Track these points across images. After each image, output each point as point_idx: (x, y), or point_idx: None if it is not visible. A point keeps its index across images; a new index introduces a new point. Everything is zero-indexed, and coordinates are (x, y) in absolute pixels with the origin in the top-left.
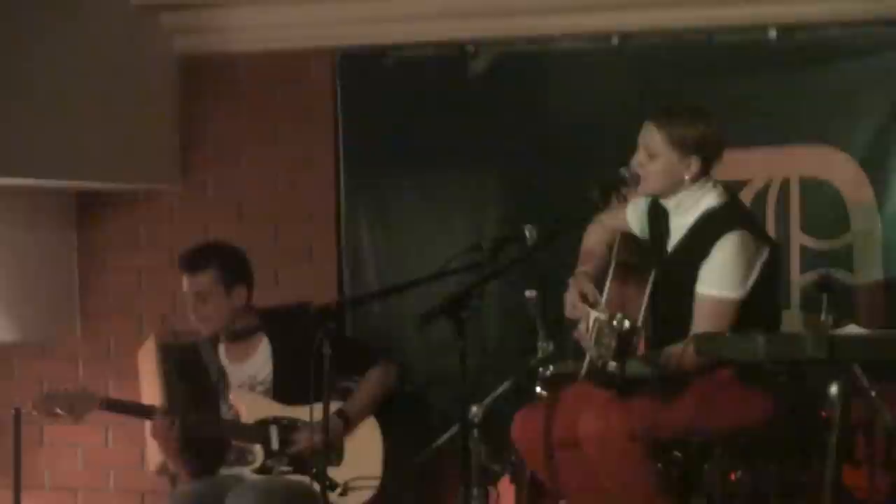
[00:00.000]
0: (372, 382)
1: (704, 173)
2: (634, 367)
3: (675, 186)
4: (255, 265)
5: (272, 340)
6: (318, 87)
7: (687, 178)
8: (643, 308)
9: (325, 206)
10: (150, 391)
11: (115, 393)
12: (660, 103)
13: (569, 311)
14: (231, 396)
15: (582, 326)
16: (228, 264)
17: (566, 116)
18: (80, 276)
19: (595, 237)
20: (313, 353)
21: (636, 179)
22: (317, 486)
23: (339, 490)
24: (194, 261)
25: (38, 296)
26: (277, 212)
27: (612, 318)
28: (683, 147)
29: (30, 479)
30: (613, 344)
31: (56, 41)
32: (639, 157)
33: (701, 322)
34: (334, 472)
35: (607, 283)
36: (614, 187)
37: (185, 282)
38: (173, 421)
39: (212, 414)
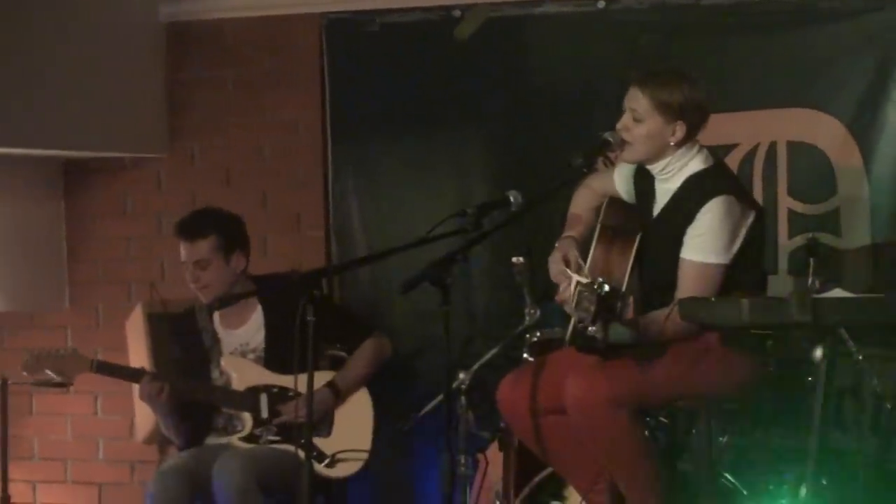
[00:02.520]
0: (365, 355)
1: (690, 138)
2: (619, 332)
3: (660, 151)
4: None
5: (265, 308)
6: (305, 53)
7: (672, 143)
8: (627, 273)
9: (313, 172)
10: (138, 359)
11: None
12: (646, 67)
13: (553, 276)
14: (223, 363)
15: (564, 291)
16: (228, 230)
17: (552, 81)
18: (68, 244)
19: (582, 202)
20: (297, 321)
21: (621, 143)
22: (304, 456)
23: (326, 461)
24: (194, 228)
25: (27, 265)
26: (265, 179)
27: (593, 282)
28: (669, 111)
29: (18, 449)
30: (593, 308)
31: (42, 10)
32: (624, 122)
33: (685, 288)
34: (323, 444)
35: (592, 247)
36: (599, 152)
37: (184, 250)
38: (163, 386)
39: (202, 380)
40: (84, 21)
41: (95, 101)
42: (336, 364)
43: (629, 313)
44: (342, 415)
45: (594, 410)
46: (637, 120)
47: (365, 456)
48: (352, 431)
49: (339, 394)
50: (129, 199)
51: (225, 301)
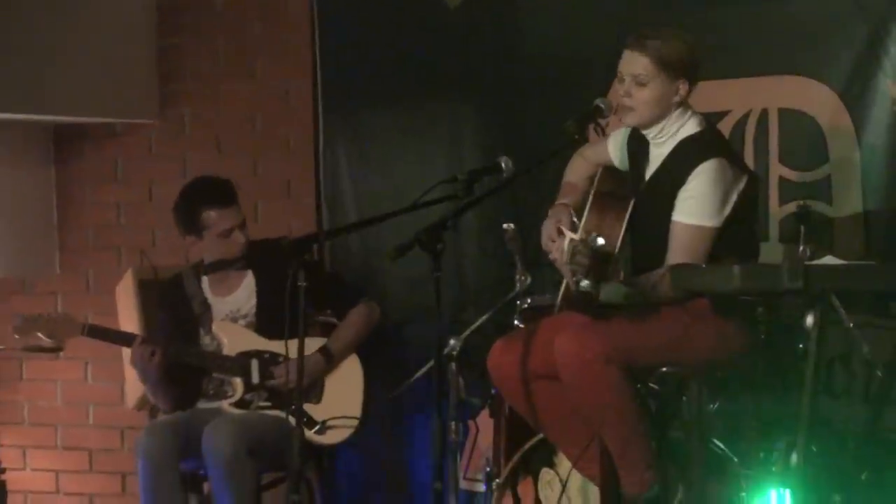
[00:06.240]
0: (356, 320)
1: (689, 95)
2: (610, 292)
3: (664, 112)
4: None
5: (257, 274)
6: (296, 19)
7: (677, 100)
8: (620, 237)
9: (304, 139)
10: (129, 326)
11: None
12: (637, 32)
13: (545, 243)
14: (214, 327)
15: (557, 251)
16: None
17: (544, 47)
18: (58, 210)
19: (576, 170)
20: (288, 287)
21: (613, 109)
22: (294, 422)
23: (316, 428)
24: (228, 193)
25: (17, 231)
26: (256, 146)
27: (586, 237)
28: (672, 68)
29: (8, 414)
30: (587, 262)
31: None
32: (625, 89)
33: (677, 251)
34: (314, 410)
35: (585, 213)
36: (591, 119)
37: (218, 215)
38: (154, 350)
39: (193, 345)
40: None
41: (86, 66)
42: (326, 331)
43: (619, 278)
44: (333, 382)
45: (584, 367)
46: (641, 84)
47: (355, 423)
48: (342, 399)
49: (330, 359)
50: (120, 166)
51: (215, 267)
